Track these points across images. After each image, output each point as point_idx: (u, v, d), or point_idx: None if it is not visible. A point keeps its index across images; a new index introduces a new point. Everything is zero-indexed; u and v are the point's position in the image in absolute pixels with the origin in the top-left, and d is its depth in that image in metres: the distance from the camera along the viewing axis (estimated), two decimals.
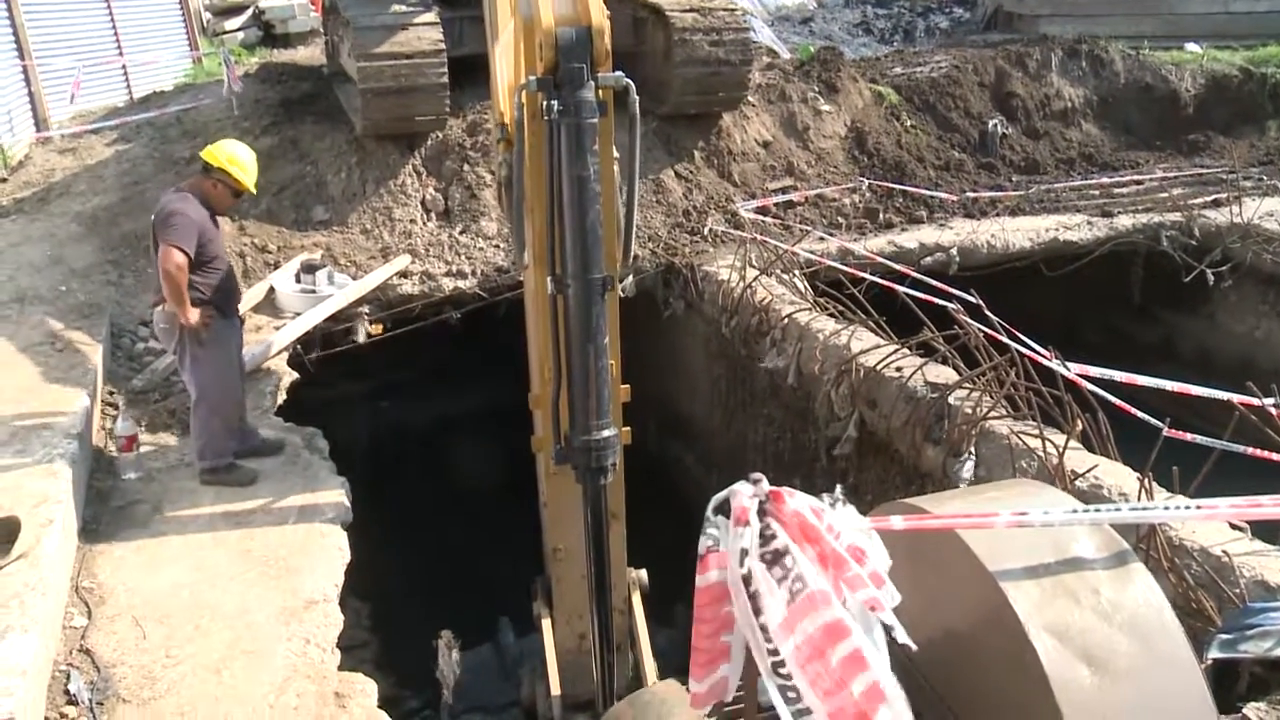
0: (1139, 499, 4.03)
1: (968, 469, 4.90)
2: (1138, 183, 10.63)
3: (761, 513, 1.75)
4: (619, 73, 3.08)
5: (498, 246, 8.25)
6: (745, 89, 9.69)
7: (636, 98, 3.09)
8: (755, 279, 7.32)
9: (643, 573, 4.78)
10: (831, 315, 6.69)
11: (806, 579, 1.73)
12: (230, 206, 5.68)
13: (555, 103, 2.99)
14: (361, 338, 7.34)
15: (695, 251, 8.44)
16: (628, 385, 3.72)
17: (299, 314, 7.16)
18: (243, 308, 6.06)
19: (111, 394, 6.19)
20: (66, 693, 3.80)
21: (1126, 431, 4.64)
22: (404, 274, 7.98)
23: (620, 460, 3.50)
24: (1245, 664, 3.41)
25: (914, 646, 1.75)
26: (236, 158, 5.26)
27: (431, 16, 8.32)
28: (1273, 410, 4.51)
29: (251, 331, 6.70)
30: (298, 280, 7.50)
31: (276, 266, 7.80)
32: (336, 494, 5.28)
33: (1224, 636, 3.36)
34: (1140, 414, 4.71)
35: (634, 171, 3.24)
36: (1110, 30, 13.22)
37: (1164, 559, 3.78)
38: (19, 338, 6.32)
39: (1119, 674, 2.13)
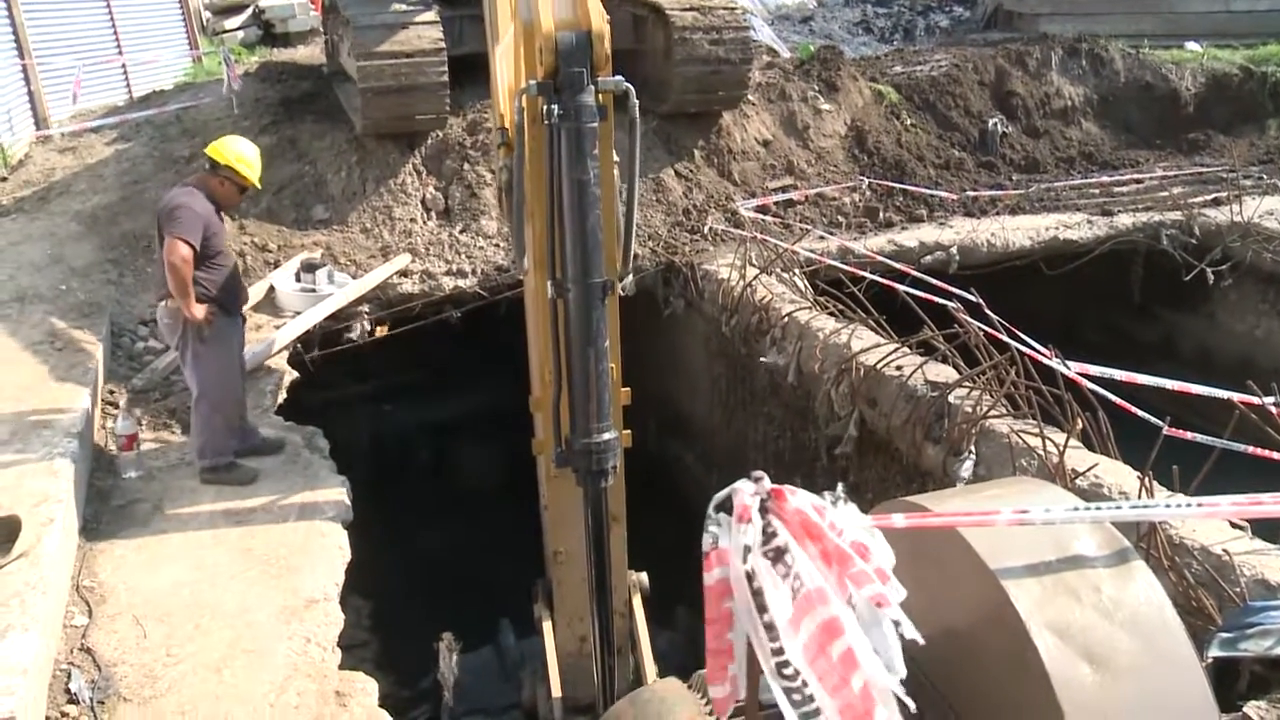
0: (1139, 498, 4.03)
1: (966, 468, 4.90)
2: (1138, 181, 10.63)
3: (763, 510, 1.76)
4: (619, 77, 3.09)
5: (498, 245, 8.25)
6: (745, 88, 9.69)
7: (636, 102, 3.10)
8: (755, 278, 7.32)
9: (643, 575, 4.78)
10: (831, 314, 6.69)
11: (804, 577, 1.73)
12: (236, 203, 5.70)
13: (555, 107, 3.00)
14: (356, 335, 7.34)
15: (695, 250, 8.44)
16: (628, 388, 3.73)
17: (299, 313, 7.16)
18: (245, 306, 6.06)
19: (112, 393, 6.19)
20: (67, 691, 3.80)
21: (1127, 430, 4.64)
22: (404, 273, 7.98)
23: (621, 463, 3.50)
24: (1246, 662, 3.41)
25: (922, 641, 1.75)
26: (243, 156, 5.26)
27: (431, 15, 8.31)
28: (1273, 409, 4.50)
29: (251, 330, 6.70)
30: (298, 279, 7.50)
31: (276, 265, 7.80)
32: (337, 493, 5.28)
33: (1224, 635, 3.36)
34: (1140, 413, 4.71)
35: (634, 174, 3.24)
36: (1110, 29, 13.22)
37: (1164, 558, 3.78)
38: (19, 336, 6.32)
39: (1120, 672, 2.13)
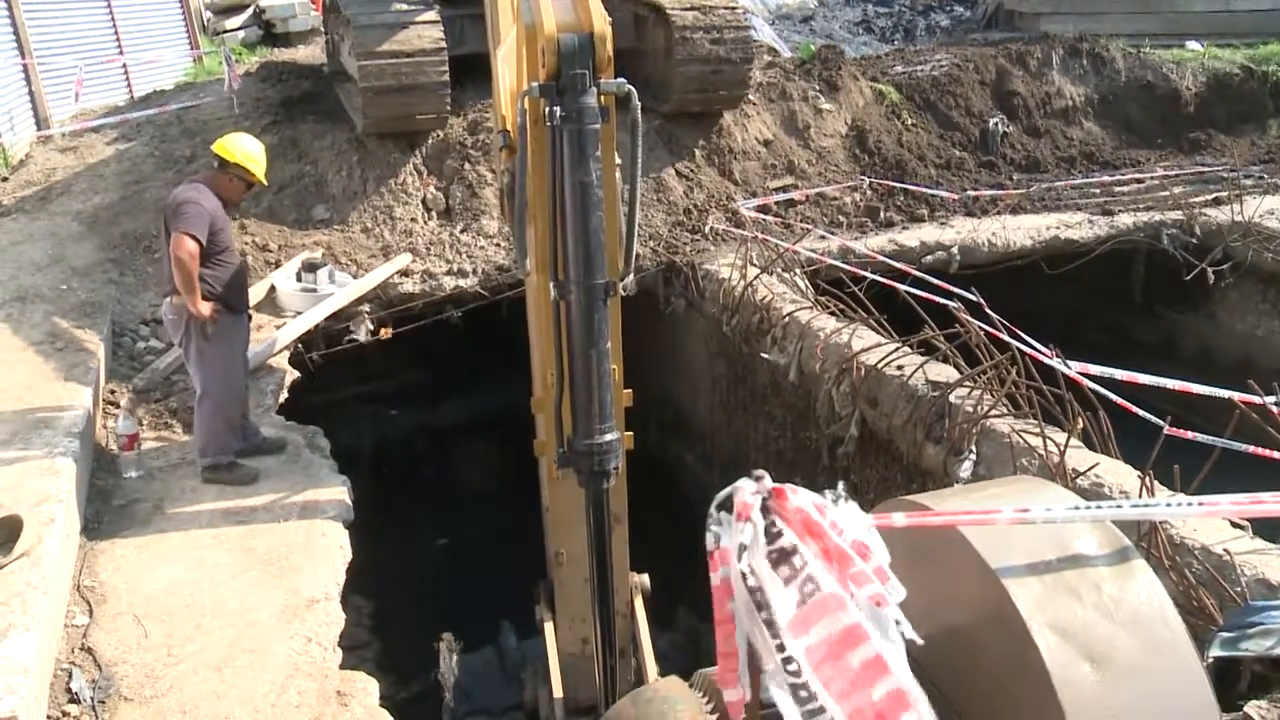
0: (1140, 497, 4.02)
1: (966, 468, 4.90)
2: (1139, 181, 10.62)
3: (765, 510, 1.75)
4: (621, 79, 3.09)
5: (499, 245, 8.25)
6: (746, 87, 9.69)
7: (639, 103, 3.10)
8: (756, 277, 7.32)
9: (644, 577, 4.78)
10: (832, 314, 6.69)
11: (819, 581, 1.72)
12: (243, 199, 5.71)
13: (557, 109, 3.00)
14: (361, 336, 7.34)
15: (696, 250, 8.44)
16: (630, 390, 3.73)
17: (300, 313, 7.16)
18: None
19: (113, 393, 6.19)
20: (68, 691, 3.80)
21: (1127, 430, 4.64)
22: (405, 273, 7.98)
23: (623, 464, 3.50)
24: (1247, 662, 3.41)
25: (920, 641, 1.75)
26: (250, 153, 5.29)
27: (432, 15, 8.31)
28: (1273, 408, 4.50)
29: (252, 330, 6.69)
30: (299, 279, 7.51)
31: (277, 265, 7.80)
32: (338, 492, 5.29)
33: (1225, 635, 3.36)
34: (1141, 412, 4.71)
35: (636, 175, 3.24)
36: (1111, 28, 13.21)
37: (1165, 557, 3.78)
38: (20, 336, 6.32)
39: (1121, 671, 2.12)
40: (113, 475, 5.42)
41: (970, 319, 5.43)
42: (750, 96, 10.06)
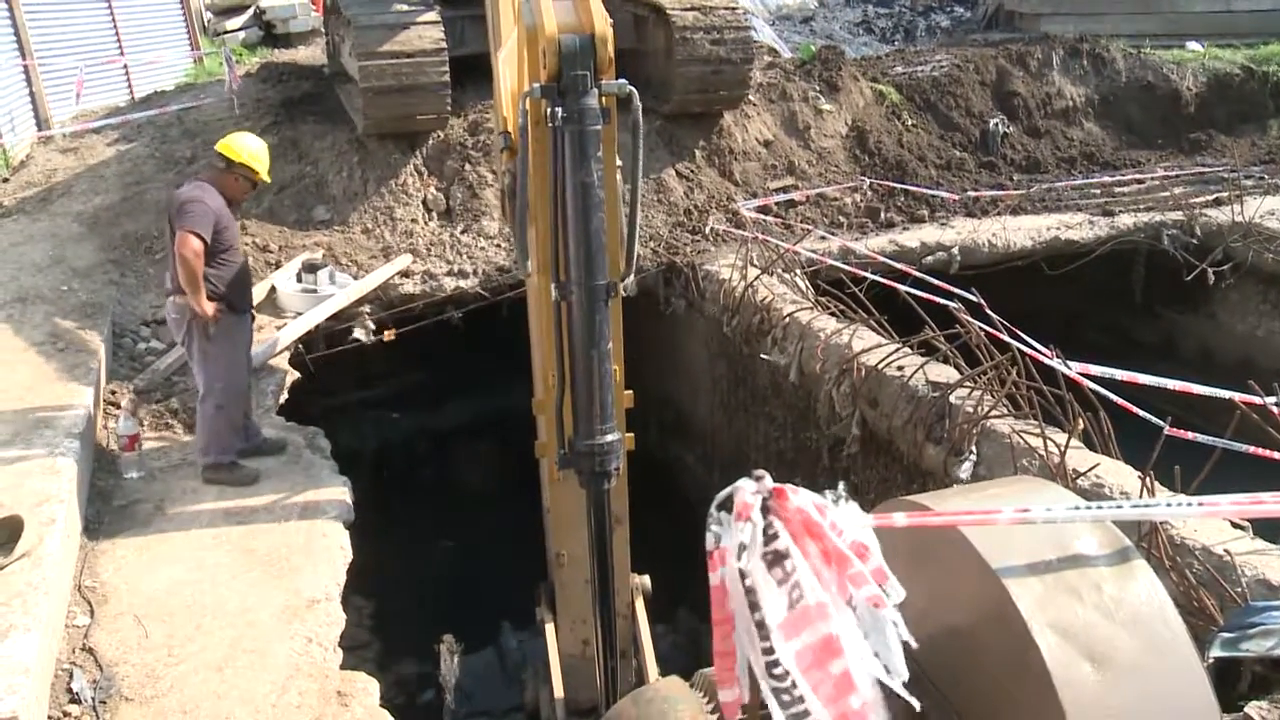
0: (1140, 498, 4.02)
1: (966, 468, 4.90)
2: (1139, 181, 10.62)
3: (765, 510, 1.75)
4: (622, 80, 3.09)
5: (499, 246, 8.25)
6: (746, 88, 9.69)
7: (640, 104, 3.10)
8: (756, 278, 7.32)
9: (645, 578, 4.78)
10: (833, 314, 6.69)
11: (805, 588, 1.72)
12: (246, 197, 5.73)
13: (559, 110, 3.00)
14: (360, 335, 7.34)
15: (696, 251, 8.44)
16: (631, 391, 3.73)
17: (300, 313, 7.17)
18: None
19: (113, 393, 6.20)
20: (69, 691, 3.81)
21: (1128, 431, 4.64)
22: (405, 273, 7.98)
23: (624, 465, 3.50)
24: (1247, 663, 3.41)
25: (915, 644, 1.75)
26: (256, 153, 5.32)
27: (433, 15, 8.32)
28: (1274, 409, 4.50)
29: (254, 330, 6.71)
30: (299, 280, 7.51)
31: (278, 266, 7.80)
32: (339, 492, 5.29)
33: (1226, 635, 3.36)
34: (1142, 413, 4.71)
35: (637, 176, 3.24)
36: (1111, 29, 13.21)
37: (1166, 558, 3.78)
38: (21, 337, 6.33)
39: (1122, 671, 2.12)
40: (113, 476, 5.42)
41: (970, 319, 5.43)
42: (751, 97, 10.06)
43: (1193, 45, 13.36)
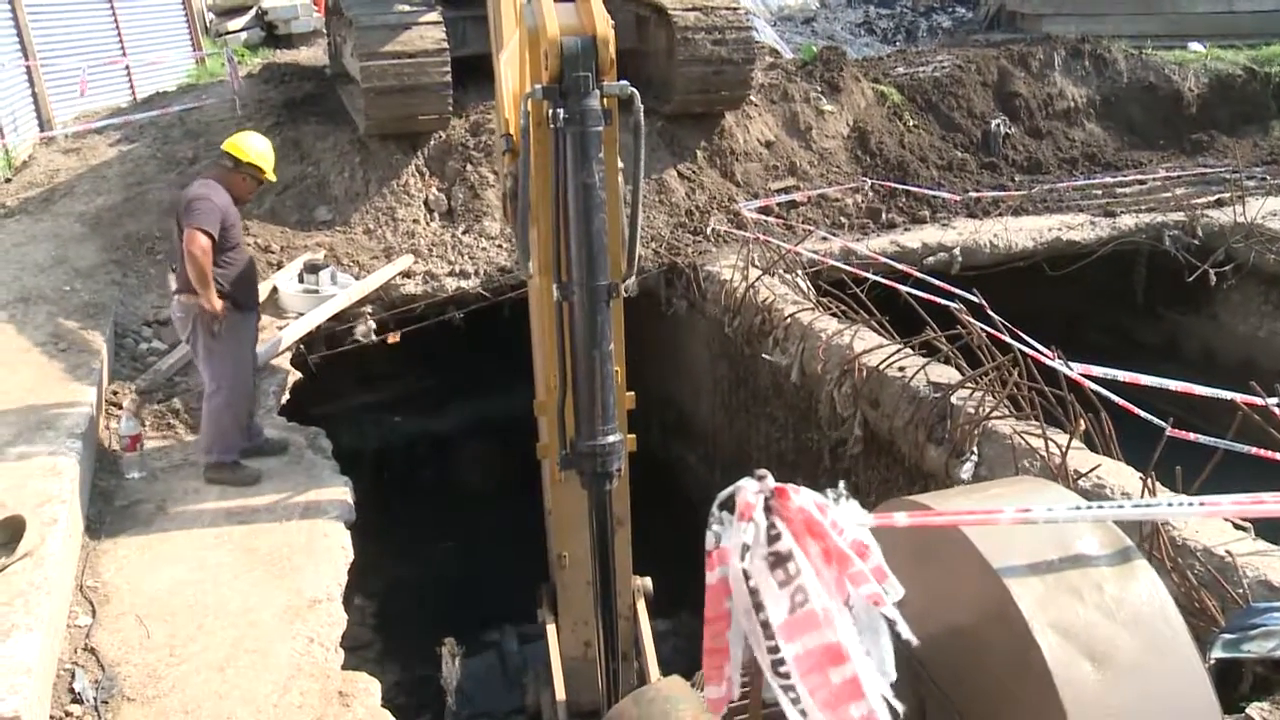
0: (1142, 498, 4.02)
1: (968, 469, 4.90)
2: (1141, 182, 10.61)
3: (767, 510, 1.76)
4: (624, 81, 3.09)
5: (501, 246, 8.26)
6: (748, 88, 9.70)
7: (641, 106, 3.10)
8: (758, 279, 7.32)
9: (647, 580, 4.78)
10: (834, 315, 6.69)
11: (809, 592, 1.72)
12: (252, 196, 5.76)
13: (560, 111, 3.00)
14: (360, 334, 7.35)
15: (698, 251, 8.44)
16: (632, 392, 3.73)
17: (302, 314, 7.17)
18: None
19: (115, 394, 6.20)
20: (71, 691, 3.81)
21: (1129, 431, 4.64)
22: (407, 274, 7.98)
23: (625, 466, 3.50)
24: (1248, 664, 3.41)
25: (915, 642, 1.75)
26: (262, 153, 5.36)
27: (435, 16, 8.33)
28: (1275, 410, 4.50)
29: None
30: (301, 280, 7.52)
31: (279, 266, 7.81)
32: (340, 492, 5.29)
33: (1227, 636, 3.35)
34: (1143, 414, 4.70)
35: (638, 177, 3.25)
36: (1113, 29, 13.20)
37: (1167, 559, 3.78)
38: (23, 337, 6.34)
39: (1123, 671, 2.13)
40: (115, 476, 5.43)
41: (972, 320, 5.43)
42: (752, 98, 10.06)
43: (1195, 46, 13.35)
